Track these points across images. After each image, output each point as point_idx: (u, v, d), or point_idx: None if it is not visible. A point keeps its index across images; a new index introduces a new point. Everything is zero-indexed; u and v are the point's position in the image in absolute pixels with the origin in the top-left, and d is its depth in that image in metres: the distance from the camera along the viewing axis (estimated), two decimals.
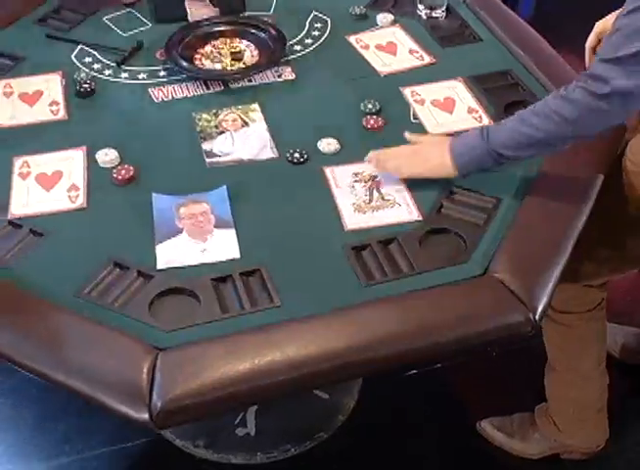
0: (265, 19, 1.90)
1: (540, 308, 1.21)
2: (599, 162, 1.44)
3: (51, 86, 1.74)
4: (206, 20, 1.88)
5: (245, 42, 1.83)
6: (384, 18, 1.90)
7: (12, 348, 1.18)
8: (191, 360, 1.16)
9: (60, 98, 1.71)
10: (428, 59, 1.77)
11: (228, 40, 1.83)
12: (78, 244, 1.36)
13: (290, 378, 1.13)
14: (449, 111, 1.61)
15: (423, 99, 1.65)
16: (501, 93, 1.64)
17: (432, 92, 1.66)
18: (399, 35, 1.86)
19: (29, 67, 1.81)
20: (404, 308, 1.21)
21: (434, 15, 1.91)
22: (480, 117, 1.59)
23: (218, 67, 1.76)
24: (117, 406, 1.11)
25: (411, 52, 1.80)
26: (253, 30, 1.84)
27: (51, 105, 1.69)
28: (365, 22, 1.92)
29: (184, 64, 1.72)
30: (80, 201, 1.43)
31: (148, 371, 1.14)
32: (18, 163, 1.51)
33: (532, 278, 1.25)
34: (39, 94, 1.72)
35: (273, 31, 1.81)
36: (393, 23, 1.90)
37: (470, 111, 1.60)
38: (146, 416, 1.10)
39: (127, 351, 1.18)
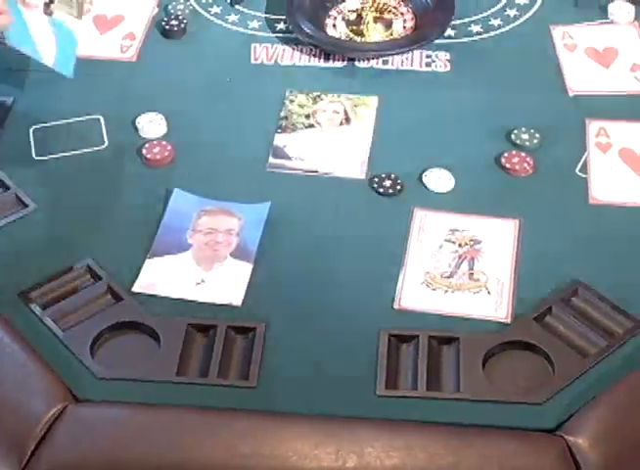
0: None
1: None
2: None
3: (137, 13, 1.88)
4: None
5: (401, 5, 1.86)
6: (620, 9, 1.83)
7: None
8: (103, 427, 1.21)
9: (139, 32, 1.84)
10: None
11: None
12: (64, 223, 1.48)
13: None
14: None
15: (610, 144, 1.58)
16: None
17: (629, 137, 1.60)
18: (632, 40, 1.79)
19: None
20: (401, 443, 1.18)
21: None
22: None
23: (354, 33, 1.81)
24: None
25: (634, 68, 1.73)
26: None
27: (124, 38, 1.82)
28: (591, 10, 1.86)
29: (302, 24, 1.78)
30: None
31: (45, 423, 1.20)
32: None
33: (615, 466, 1.17)
34: (118, 20, 1.86)
35: None
36: (633, 19, 1.83)
37: None
38: None
39: (34, 388, 1.25)
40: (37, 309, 1.35)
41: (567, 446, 1.18)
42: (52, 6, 1.52)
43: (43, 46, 1.51)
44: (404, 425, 1.22)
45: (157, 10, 1.88)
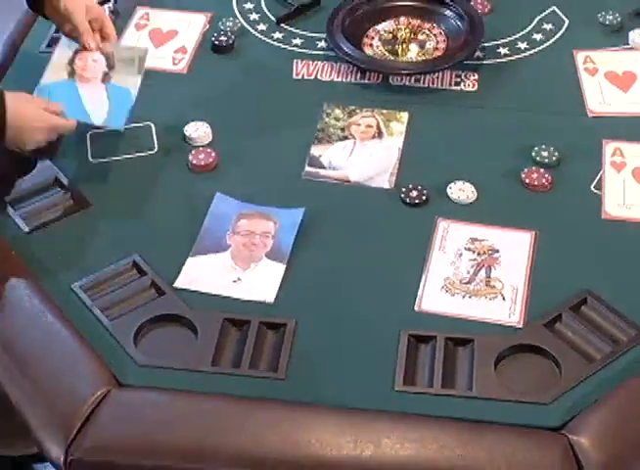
0: (484, 2, 1.92)
1: None
2: None
3: (190, 29, 1.91)
4: None
5: (435, 27, 1.87)
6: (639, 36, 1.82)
7: None
8: (142, 411, 1.25)
9: (190, 46, 1.86)
10: None
11: (415, 21, 1.88)
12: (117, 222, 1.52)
13: None
14: None
15: (624, 163, 1.58)
16: None
17: None
18: None
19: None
20: (416, 435, 1.20)
21: None
22: None
23: (390, 53, 1.83)
24: (35, 428, 1.23)
25: None
26: (450, 14, 1.86)
27: (177, 52, 1.84)
28: (613, 36, 1.86)
29: (341, 43, 1.79)
30: None
31: (91, 405, 1.23)
32: None
33: (614, 464, 1.18)
34: (172, 35, 1.90)
35: (475, 22, 1.81)
36: None
37: None
38: (61, 457, 1.20)
39: (82, 372, 1.28)
40: (87, 300, 1.38)
41: (569, 444, 1.19)
42: (111, 72, 1.58)
43: (95, 111, 1.55)
44: (419, 419, 1.23)
45: (207, 26, 1.90)
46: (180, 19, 1.93)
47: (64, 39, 1.63)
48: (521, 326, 1.34)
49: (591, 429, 1.20)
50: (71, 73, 1.59)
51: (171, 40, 1.88)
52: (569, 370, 1.28)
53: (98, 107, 1.55)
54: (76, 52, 1.61)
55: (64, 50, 1.62)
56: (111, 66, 1.61)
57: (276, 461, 1.19)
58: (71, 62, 1.60)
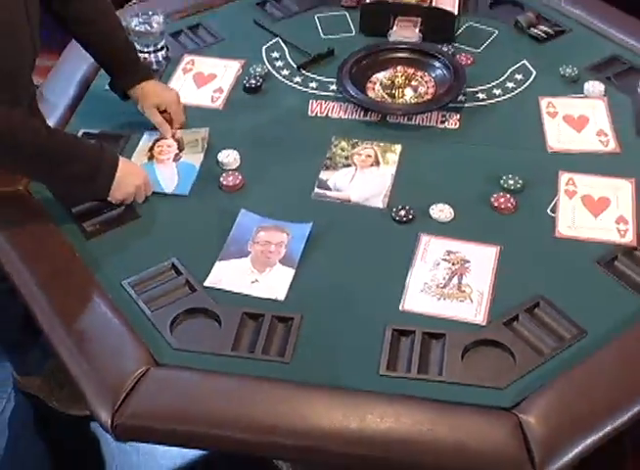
0: (465, 55, 1.91)
1: None
2: None
3: (226, 73, 1.92)
4: (403, 43, 1.93)
5: (426, 75, 1.86)
6: (592, 87, 1.81)
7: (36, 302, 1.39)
8: (175, 386, 1.27)
9: (226, 87, 1.88)
10: (613, 146, 1.68)
11: (410, 70, 1.87)
12: (158, 233, 1.54)
13: (244, 440, 1.20)
14: (596, 214, 1.53)
15: (575, 191, 1.58)
16: None
17: (592, 187, 1.58)
18: (598, 111, 1.77)
19: (221, 48, 2.01)
20: (394, 412, 1.22)
21: None
22: (626, 233, 1.48)
23: (388, 95, 1.83)
24: (89, 397, 1.26)
25: (599, 133, 1.71)
26: (438, 65, 1.86)
27: (215, 92, 1.87)
28: (571, 86, 1.84)
29: (348, 87, 1.80)
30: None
31: (134, 379, 1.27)
32: None
33: (556, 439, 1.18)
34: (211, 78, 1.91)
35: (459, 72, 1.81)
36: (602, 95, 1.81)
37: (618, 220, 1.51)
38: (108, 421, 1.23)
39: (131, 353, 1.31)
40: (134, 294, 1.41)
41: (519, 421, 1.20)
42: (181, 153, 1.65)
43: (167, 183, 1.61)
44: (397, 398, 1.24)
45: (241, 71, 1.92)
46: (218, 64, 1.95)
47: (146, 132, 1.72)
48: (484, 324, 1.35)
49: (537, 409, 1.21)
50: (150, 157, 1.66)
51: (211, 82, 1.90)
52: (521, 361, 1.29)
53: (169, 180, 1.62)
54: (156, 140, 1.70)
55: (145, 140, 1.71)
56: (181, 148, 1.68)
57: (283, 429, 1.22)
58: (151, 148, 1.69)
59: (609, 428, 1.19)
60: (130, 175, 1.52)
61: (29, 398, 2.19)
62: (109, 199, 1.53)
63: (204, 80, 1.90)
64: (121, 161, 1.52)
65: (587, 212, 1.54)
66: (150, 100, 1.69)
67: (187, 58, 1.97)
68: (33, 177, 1.55)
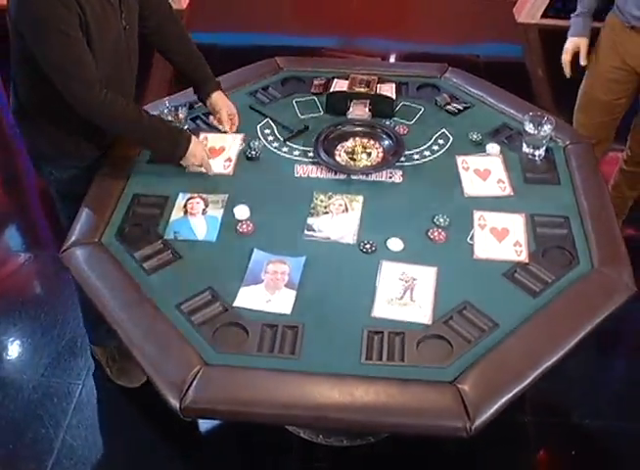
0: (402, 127, 2.04)
1: (478, 422, 1.29)
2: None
3: (233, 145, 2.01)
4: (358, 120, 2.06)
5: (376, 144, 1.98)
6: (492, 147, 1.95)
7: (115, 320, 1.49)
8: (220, 379, 1.39)
9: (234, 156, 1.97)
10: (508, 190, 1.81)
11: (364, 140, 1.98)
12: (197, 269, 1.62)
13: (270, 414, 1.34)
14: (500, 240, 1.67)
15: (485, 224, 1.71)
16: (548, 239, 1.66)
17: (495, 220, 1.71)
18: (496, 165, 1.89)
19: None
20: (373, 388, 1.34)
21: (535, 153, 1.93)
22: (521, 253, 1.63)
23: (350, 159, 1.93)
24: (161, 387, 1.36)
25: (499, 181, 1.83)
26: (384, 136, 1.98)
27: (225, 161, 1.96)
28: (478, 147, 1.95)
29: (321, 154, 1.91)
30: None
31: (192, 375, 1.38)
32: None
33: (482, 399, 1.32)
34: (222, 150, 2.00)
35: (399, 140, 1.95)
36: (499, 153, 1.94)
37: (515, 244, 1.66)
38: (177, 404, 1.34)
39: (186, 356, 1.43)
40: (185, 314, 1.51)
41: (457, 389, 1.34)
42: (207, 209, 1.75)
43: (198, 232, 1.70)
44: (374, 379, 1.37)
45: (243, 144, 2.01)
46: (226, 139, 2.02)
47: (180, 193, 1.80)
48: (430, 323, 1.47)
49: (469, 380, 1.35)
50: (185, 212, 1.75)
51: (222, 153, 1.97)
52: (457, 348, 1.42)
53: (200, 229, 1.71)
54: (188, 199, 1.78)
55: (180, 198, 1.78)
56: (207, 205, 1.77)
57: (298, 404, 1.34)
58: (185, 205, 1.77)
59: (517, 389, 1.35)
60: (197, 148, 1.79)
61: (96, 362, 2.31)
62: (185, 163, 1.78)
63: (216, 152, 1.97)
64: (193, 139, 1.76)
65: (494, 239, 1.65)
66: (221, 106, 1.95)
67: (202, 135, 2.06)
68: (141, 145, 1.86)
